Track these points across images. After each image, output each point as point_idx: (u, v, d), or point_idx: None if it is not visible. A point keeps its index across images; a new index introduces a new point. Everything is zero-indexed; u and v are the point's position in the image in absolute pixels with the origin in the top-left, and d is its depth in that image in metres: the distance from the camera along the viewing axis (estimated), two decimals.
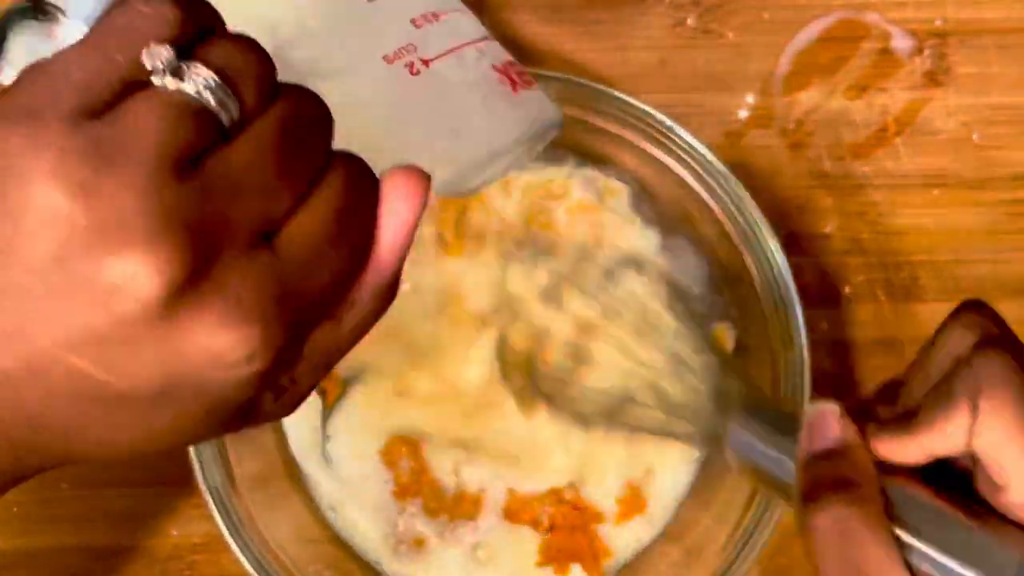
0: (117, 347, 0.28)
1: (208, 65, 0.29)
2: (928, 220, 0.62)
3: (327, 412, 0.58)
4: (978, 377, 0.37)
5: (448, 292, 0.58)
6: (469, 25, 0.45)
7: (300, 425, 0.58)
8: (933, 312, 0.61)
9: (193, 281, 0.28)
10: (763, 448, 0.43)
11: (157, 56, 0.29)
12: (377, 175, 0.33)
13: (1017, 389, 0.37)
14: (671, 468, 0.58)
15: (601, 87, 0.56)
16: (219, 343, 0.28)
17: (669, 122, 0.55)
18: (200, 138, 0.29)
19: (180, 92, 0.29)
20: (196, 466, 0.53)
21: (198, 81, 0.29)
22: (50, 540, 0.59)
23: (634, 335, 0.51)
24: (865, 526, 0.37)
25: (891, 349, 0.61)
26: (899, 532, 0.37)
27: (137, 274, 0.27)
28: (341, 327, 0.33)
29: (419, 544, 0.58)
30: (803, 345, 0.54)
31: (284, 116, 0.30)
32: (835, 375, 0.61)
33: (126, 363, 0.28)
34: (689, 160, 0.56)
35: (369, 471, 0.58)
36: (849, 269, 0.62)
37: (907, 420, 0.39)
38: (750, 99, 0.62)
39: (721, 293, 0.58)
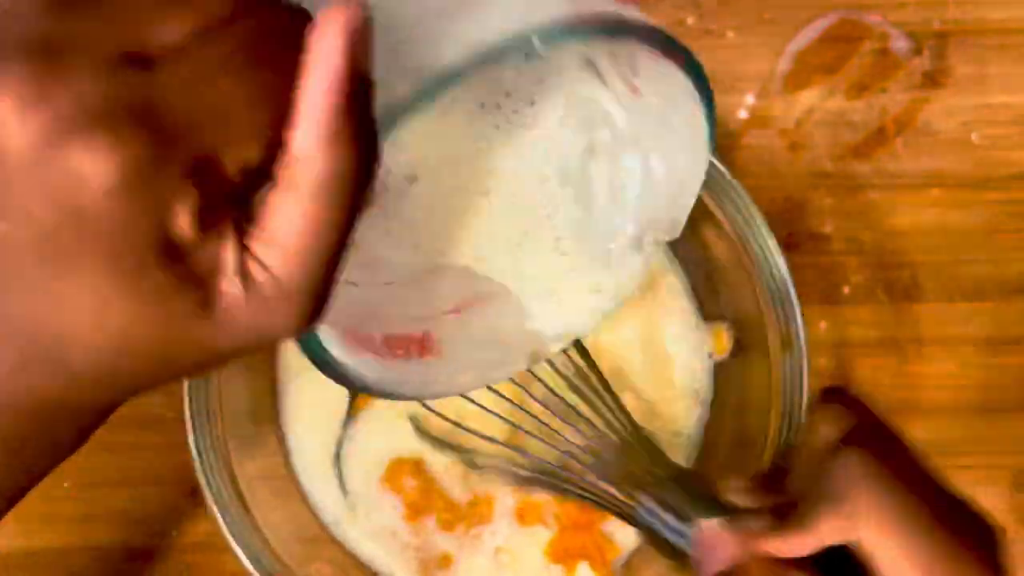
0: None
1: None
2: (928, 220, 0.62)
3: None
4: (844, 477, 0.39)
5: None
6: None
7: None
8: (933, 312, 0.61)
9: (44, 91, 0.25)
10: (667, 518, 0.46)
11: None
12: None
13: (880, 486, 0.39)
14: None
15: None
16: (77, 158, 0.25)
17: None
18: None
19: None
20: (197, 465, 0.53)
21: None
22: (50, 540, 0.59)
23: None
24: None
25: (891, 349, 0.61)
26: None
27: None
28: (299, 193, 0.28)
29: (446, 561, 0.58)
30: (803, 345, 0.54)
31: None
32: (835, 375, 0.61)
33: (9, 202, 0.26)
34: None
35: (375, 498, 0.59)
36: (849, 269, 0.62)
37: (790, 513, 0.41)
38: (750, 99, 0.62)
39: (721, 293, 0.58)
